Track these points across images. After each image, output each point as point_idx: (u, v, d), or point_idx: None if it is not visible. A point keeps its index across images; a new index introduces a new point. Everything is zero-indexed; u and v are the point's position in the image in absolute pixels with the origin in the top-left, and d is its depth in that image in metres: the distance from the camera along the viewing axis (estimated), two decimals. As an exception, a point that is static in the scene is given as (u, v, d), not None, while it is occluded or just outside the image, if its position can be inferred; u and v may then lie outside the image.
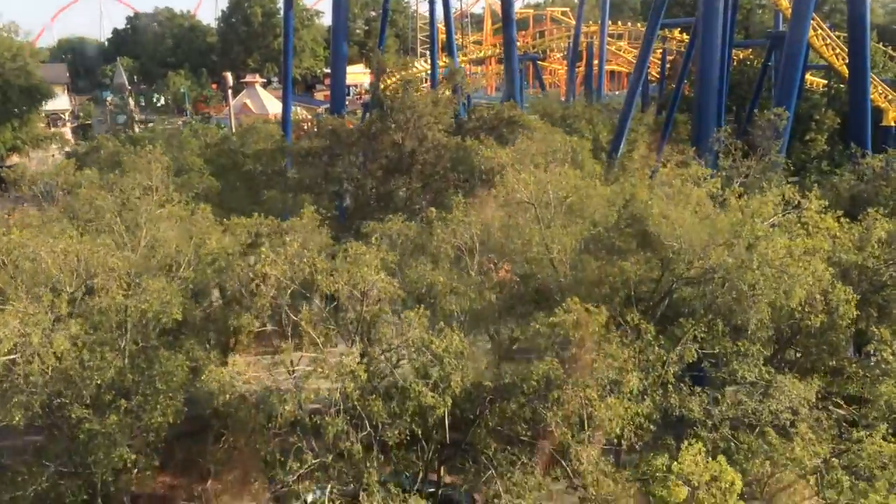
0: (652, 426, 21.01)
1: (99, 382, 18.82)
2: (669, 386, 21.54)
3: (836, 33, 62.56)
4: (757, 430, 20.84)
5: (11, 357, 18.15)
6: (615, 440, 20.27)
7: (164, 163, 25.82)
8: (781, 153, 31.25)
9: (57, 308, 18.42)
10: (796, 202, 24.43)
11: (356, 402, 18.40)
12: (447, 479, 23.29)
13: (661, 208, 20.65)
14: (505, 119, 38.67)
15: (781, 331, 26.07)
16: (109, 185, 25.57)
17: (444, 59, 74.65)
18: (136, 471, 19.44)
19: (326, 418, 17.23)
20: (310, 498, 19.21)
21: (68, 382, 18.81)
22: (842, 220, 23.39)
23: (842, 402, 24.57)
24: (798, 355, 26.48)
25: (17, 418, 17.90)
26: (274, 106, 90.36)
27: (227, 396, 17.62)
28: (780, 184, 25.16)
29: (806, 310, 23.32)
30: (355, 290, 19.31)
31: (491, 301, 20.79)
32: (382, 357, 18.59)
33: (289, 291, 19.70)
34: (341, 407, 17.37)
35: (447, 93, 38.46)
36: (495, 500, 18.82)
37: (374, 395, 18.28)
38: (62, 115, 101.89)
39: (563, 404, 18.72)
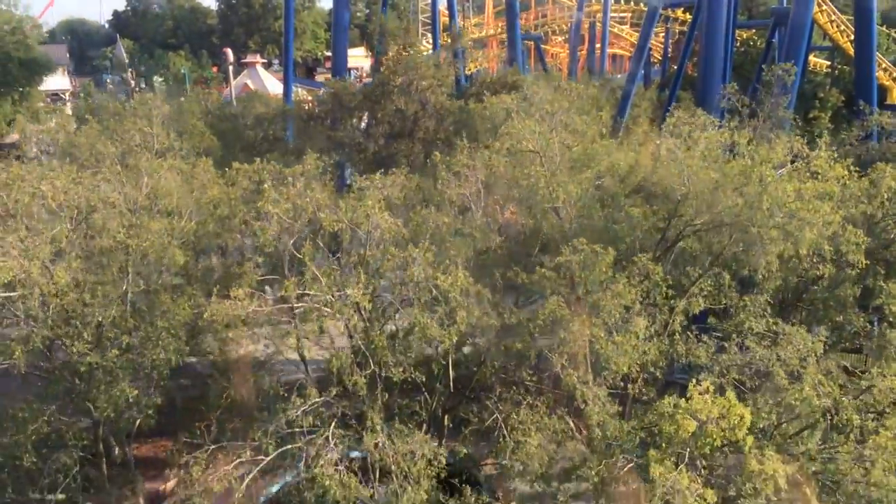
0: (658, 373, 20.85)
1: (100, 320, 18.57)
2: (676, 335, 21.33)
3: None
4: (765, 375, 20.61)
5: (11, 294, 17.97)
6: (621, 385, 20.00)
7: (164, 111, 25.55)
8: (789, 109, 30.97)
9: (57, 242, 18.16)
10: (805, 154, 24.15)
11: (360, 339, 18.18)
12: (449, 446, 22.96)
13: (668, 150, 20.34)
14: (508, 84, 38.38)
15: (788, 283, 25.87)
16: (110, 133, 25.29)
17: (445, 40, 74.26)
18: (136, 409, 19.21)
19: (331, 353, 16.96)
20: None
21: (69, 320, 18.56)
22: (851, 169, 23.10)
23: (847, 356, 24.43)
24: (804, 313, 26.28)
25: (17, 353, 17.65)
26: (275, 87, 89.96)
27: (231, 333, 17.38)
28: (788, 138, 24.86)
29: (814, 260, 23.12)
30: (359, 229, 19.02)
31: (496, 244, 20.51)
32: (387, 296, 18.32)
33: (292, 232, 19.37)
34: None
35: (448, 57, 38.13)
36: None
37: (378, 332, 18.05)
38: (62, 95, 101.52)
39: (568, 344, 18.46)
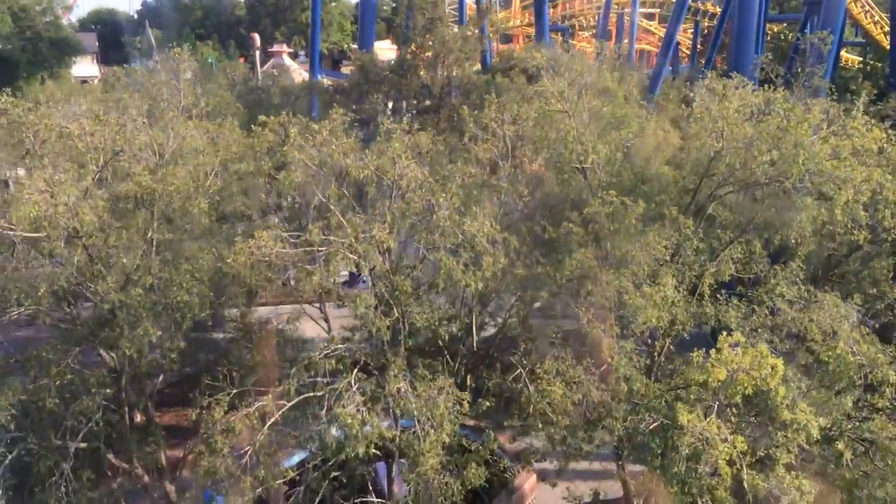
0: (685, 334, 20.43)
1: (125, 261, 18.48)
2: (705, 297, 20.90)
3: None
4: (797, 338, 20.15)
5: (36, 234, 17.91)
6: (648, 342, 19.63)
7: (192, 66, 25.48)
8: (826, 79, 30.35)
9: (83, 180, 18.11)
10: (841, 121, 23.58)
11: (384, 288, 17.94)
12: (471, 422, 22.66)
13: (701, 102, 19.91)
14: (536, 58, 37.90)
15: (820, 257, 25.33)
16: (138, 86, 25.28)
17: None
18: (159, 352, 19.11)
19: (355, 292, 16.74)
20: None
21: (93, 261, 18.49)
22: (889, 133, 22.48)
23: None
24: (837, 287, 25.70)
25: (41, 290, 17.60)
26: (301, 77, 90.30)
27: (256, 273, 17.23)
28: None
29: (849, 225, 22.57)
30: (385, 176, 18.78)
31: (523, 196, 20.19)
32: (413, 243, 18.06)
33: (317, 179, 19.19)
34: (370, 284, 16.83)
35: (476, 31, 37.85)
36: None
37: (403, 278, 17.81)
38: (91, 82, 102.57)
39: (595, 296, 18.13)
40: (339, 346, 17.89)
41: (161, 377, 25.07)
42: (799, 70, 26.61)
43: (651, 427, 17.62)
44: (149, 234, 20.07)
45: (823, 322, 20.18)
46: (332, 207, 18.01)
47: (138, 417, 23.30)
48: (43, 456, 18.62)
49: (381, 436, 16.10)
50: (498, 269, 17.60)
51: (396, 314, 17.94)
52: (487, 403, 18.81)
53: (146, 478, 22.85)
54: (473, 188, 19.83)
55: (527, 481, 27.69)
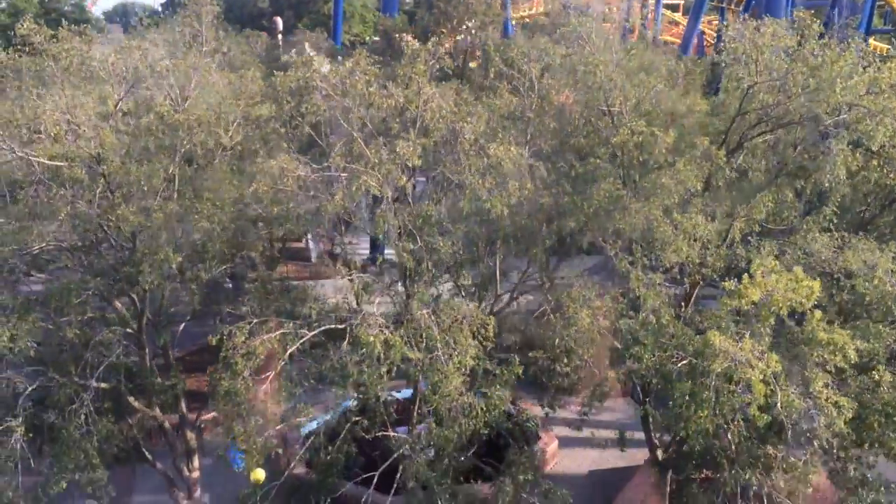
0: (716, 276, 19.88)
1: (146, 188, 18.24)
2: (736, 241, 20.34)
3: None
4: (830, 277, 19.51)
5: (59, 163, 17.73)
6: (677, 277, 19.09)
7: (213, 10, 25.19)
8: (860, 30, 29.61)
9: (104, 104, 17.92)
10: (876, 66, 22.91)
11: (408, 218, 17.55)
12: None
13: (735, 30, 19.33)
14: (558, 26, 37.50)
15: (854, 210, 24.66)
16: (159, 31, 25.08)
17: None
18: (179, 282, 18.86)
19: (377, 211, 16.39)
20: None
21: (113, 193, 18.25)
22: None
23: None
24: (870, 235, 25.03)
25: (62, 213, 17.41)
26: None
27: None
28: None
29: (885, 169, 21.94)
30: (410, 106, 18.38)
31: (550, 128, 19.74)
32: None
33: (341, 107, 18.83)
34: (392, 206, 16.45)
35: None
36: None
37: (428, 203, 17.44)
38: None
39: (624, 226, 17.66)
40: (362, 275, 17.53)
41: (181, 326, 25.02)
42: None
43: (680, 365, 17.10)
44: (171, 170, 19.86)
45: (859, 261, 19.57)
46: (355, 135, 17.64)
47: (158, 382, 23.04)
48: (63, 385, 18.42)
49: (405, 357, 15.69)
50: (524, 196, 17.18)
51: (419, 241, 17.57)
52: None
53: (166, 423, 22.67)
54: (499, 119, 19.36)
55: (549, 446, 27.36)
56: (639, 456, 26.92)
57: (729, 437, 15.47)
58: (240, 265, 24.05)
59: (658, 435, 20.44)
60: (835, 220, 21.69)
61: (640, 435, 26.03)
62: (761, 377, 14.16)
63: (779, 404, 14.20)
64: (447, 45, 37.17)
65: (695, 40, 66.65)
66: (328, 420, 20.57)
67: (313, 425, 22.89)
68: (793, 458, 15.41)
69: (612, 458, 27.03)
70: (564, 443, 27.74)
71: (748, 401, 14.13)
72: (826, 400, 13.92)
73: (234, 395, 16.15)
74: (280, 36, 79.89)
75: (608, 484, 25.14)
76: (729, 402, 14.46)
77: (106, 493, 18.92)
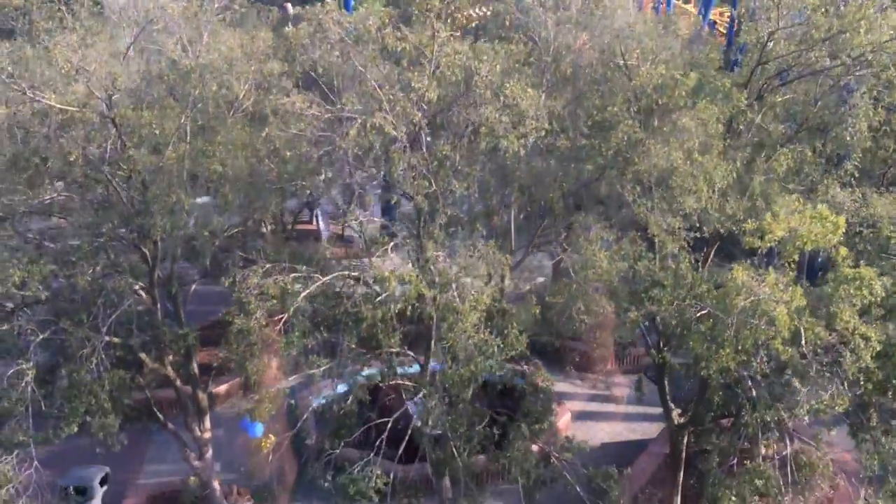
0: (735, 228, 19.46)
1: (157, 132, 17.96)
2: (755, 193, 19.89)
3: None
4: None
5: (72, 108, 17.46)
6: (696, 223, 18.60)
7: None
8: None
9: (115, 46, 17.66)
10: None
11: (422, 161, 17.19)
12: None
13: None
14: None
15: (874, 170, 24.22)
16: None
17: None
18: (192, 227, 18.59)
19: (392, 149, 16.06)
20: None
21: (125, 137, 18.01)
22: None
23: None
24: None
25: (74, 156, 17.14)
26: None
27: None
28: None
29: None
30: (426, 50, 18.00)
31: (566, 76, 19.34)
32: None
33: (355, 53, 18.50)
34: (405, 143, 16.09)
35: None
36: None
37: (443, 145, 17.09)
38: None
39: (643, 168, 17.26)
40: (378, 220, 17.24)
41: (193, 286, 24.77)
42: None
43: (698, 315, 16.68)
44: (182, 119, 19.58)
45: (886, 207, 19.15)
46: (368, 76, 17.31)
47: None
48: (73, 333, 18.17)
49: (420, 293, 15.33)
50: (541, 135, 16.80)
51: (434, 185, 17.22)
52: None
53: (178, 381, 22.49)
54: (516, 63, 18.93)
55: (561, 418, 27.25)
56: (651, 429, 26.95)
57: (750, 375, 15.09)
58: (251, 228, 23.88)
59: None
60: (856, 175, 21.29)
61: (650, 411, 26.00)
62: (786, 310, 13.81)
63: (803, 338, 13.84)
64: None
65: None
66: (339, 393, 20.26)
67: (321, 399, 22.74)
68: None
69: (624, 432, 28.02)
70: (577, 417, 28.44)
71: (772, 334, 13.76)
72: (853, 332, 13.53)
73: (246, 335, 15.89)
74: (290, 12, 79.48)
75: (621, 456, 25.42)
76: (752, 336, 14.09)
77: (118, 440, 18.77)
